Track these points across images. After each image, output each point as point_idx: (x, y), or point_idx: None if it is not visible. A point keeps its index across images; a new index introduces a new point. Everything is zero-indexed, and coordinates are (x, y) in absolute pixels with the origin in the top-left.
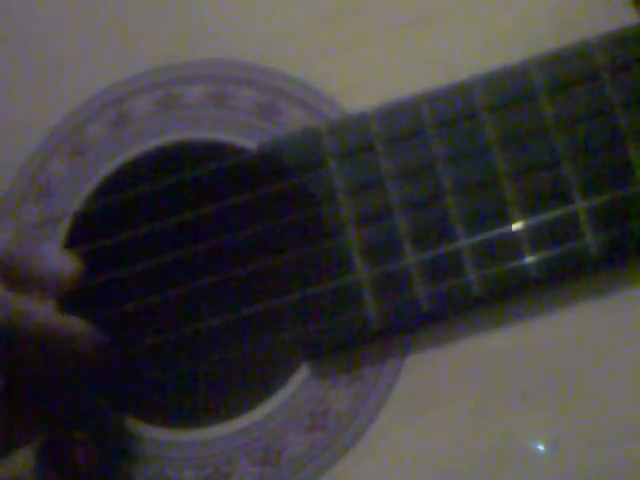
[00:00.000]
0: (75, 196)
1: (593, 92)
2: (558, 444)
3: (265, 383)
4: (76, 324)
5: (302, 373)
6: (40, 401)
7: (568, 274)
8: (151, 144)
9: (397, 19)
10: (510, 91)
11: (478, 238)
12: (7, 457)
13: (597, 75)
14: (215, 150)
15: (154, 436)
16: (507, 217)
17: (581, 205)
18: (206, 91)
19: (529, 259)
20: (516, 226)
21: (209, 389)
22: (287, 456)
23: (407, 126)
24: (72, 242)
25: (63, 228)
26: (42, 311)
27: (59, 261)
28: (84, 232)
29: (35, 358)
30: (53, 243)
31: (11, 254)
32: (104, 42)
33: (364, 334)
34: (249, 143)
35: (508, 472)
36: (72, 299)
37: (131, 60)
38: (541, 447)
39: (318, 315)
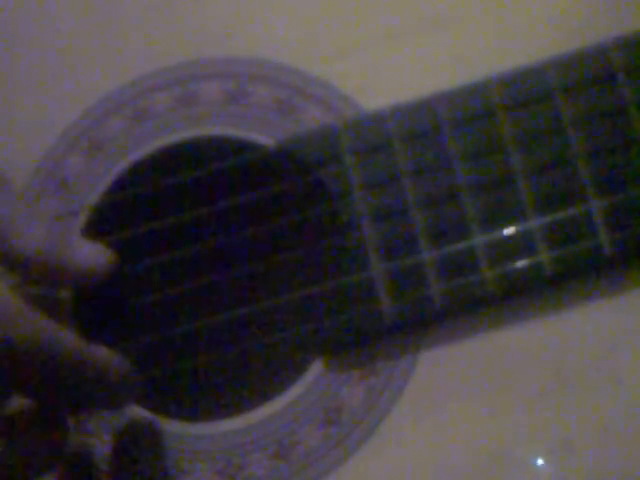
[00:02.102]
0: (93, 191)
1: (608, 92)
2: (567, 446)
3: (279, 378)
4: (106, 354)
5: (316, 368)
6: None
7: (582, 273)
8: (169, 140)
9: (415, 18)
10: (526, 91)
11: (493, 236)
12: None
13: (613, 76)
14: (232, 146)
15: (168, 429)
16: (522, 215)
17: (595, 204)
18: (224, 88)
19: (543, 257)
20: (531, 224)
21: (223, 383)
22: (300, 450)
23: (424, 124)
24: (88, 236)
25: (80, 222)
26: (72, 338)
27: (95, 252)
28: (100, 226)
29: (60, 382)
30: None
31: (45, 250)
32: (122, 39)
33: (378, 330)
34: (267, 139)
35: (520, 471)
36: (80, 296)
37: (149, 57)
38: (539, 461)
39: (332, 310)
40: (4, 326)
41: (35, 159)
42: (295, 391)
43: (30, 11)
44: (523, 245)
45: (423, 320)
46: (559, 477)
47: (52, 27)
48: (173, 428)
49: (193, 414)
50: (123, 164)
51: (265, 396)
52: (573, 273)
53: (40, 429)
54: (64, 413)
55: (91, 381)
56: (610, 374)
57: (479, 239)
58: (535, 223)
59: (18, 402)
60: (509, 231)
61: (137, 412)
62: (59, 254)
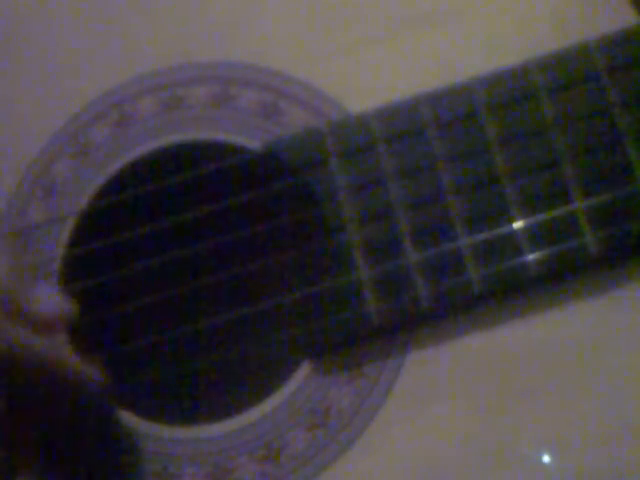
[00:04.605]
0: (80, 196)
1: (593, 92)
2: (558, 446)
3: (267, 381)
4: (77, 363)
5: (303, 371)
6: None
7: (568, 273)
8: (155, 145)
9: (399, 20)
10: (510, 91)
11: (478, 237)
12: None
13: (597, 75)
14: (218, 150)
15: (156, 433)
16: (507, 216)
17: (581, 204)
18: (209, 92)
19: (529, 258)
20: (516, 225)
21: (211, 387)
22: (288, 453)
23: (408, 126)
24: (76, 241)
25: (68, 227)
26: (42, 345)
27: (53, 305)
28: (88, 231)
29: (35, 387)
30: (48, 285)
31: (6, 292)
32: (107, 43)
33: (365, 332)
34: (252, 143)
35: (508, 470)
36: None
37: (134, 61)
38: (546, 457)
39: (319, 313)
40: None
41: (23, 165)
42: (283, 394)
43: (14, 18)
44: (509, 246)
45: (410, 321)
46: (550, 474)
47: (38, 33)
48: (161, 433)
49: (181, 419)
50: (110, 170)
51: (253, 400)
52: (559, 273)
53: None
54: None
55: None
56: (599, 372)
57: (465, 240)
58: (520, 224)
59: None
60: (495, 232)
61: (123, 417)
62: (19, 299)
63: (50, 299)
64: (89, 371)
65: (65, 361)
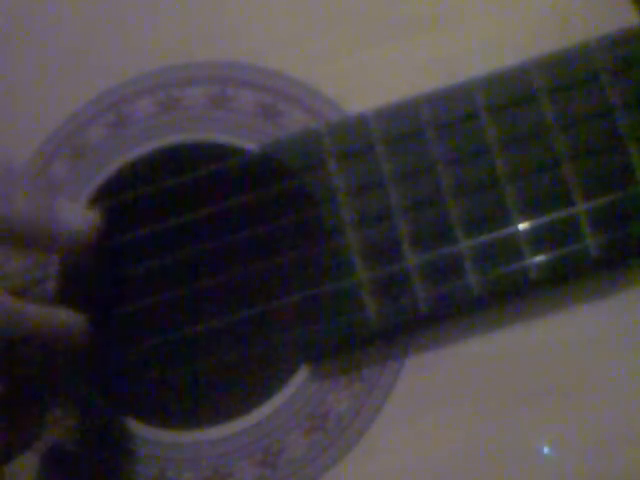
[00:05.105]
0: (76, 198)
1: (593, 93)
2: (559, 446)
3: (265, 384)
4: (68, 314)
5: (302, 374)
6: (39, 403)
7: (568, 276)
8: (152, 146)
9: (397, 21)
10: (510, 92)
11: (478, 240)
12: (8, 463)
13: (597, 76)
14: (215, 151)
15: (154, 437)
16: (507, 219)
17: (581, 207)
18: (206, 92)
19: (529, 261)
20: (516, 228)
21: (209, 390)
22: (287, 457)
23: (407, 127)
24: None
25: None
26: (36, 309)
27: (77, 214)
28: None
29: (34, 357)
30: (65, 200)
31: (27, 213)
32: (104, 44)
33: (364, 335)
34: (249, 144)
35: (507, 474)
36: (74, 299)
37: (132, 62)
38: (546, 449)
39: (318, 316)
40: None
41: (22, 166)
42: (281, 398)
43: (10, 18)
44: (509, 249)
45: (409, 325)
46: (551, 477)
47: (34, 33)
48: (159, 437)
49: (179, 422)
50: (107, 171)
51: (251, 403)
52: (560, 276)
53: (9, 411)
54: (33, 394)
55: (55, 340)
56: (600, 375)
57: (464, 243)
58: (521, 227)
59: None
60: (495, 235)
61: (122, 420)
62: (42, 217)
63: (72, 213)
64: (77, 322)
65: (53, 316)
